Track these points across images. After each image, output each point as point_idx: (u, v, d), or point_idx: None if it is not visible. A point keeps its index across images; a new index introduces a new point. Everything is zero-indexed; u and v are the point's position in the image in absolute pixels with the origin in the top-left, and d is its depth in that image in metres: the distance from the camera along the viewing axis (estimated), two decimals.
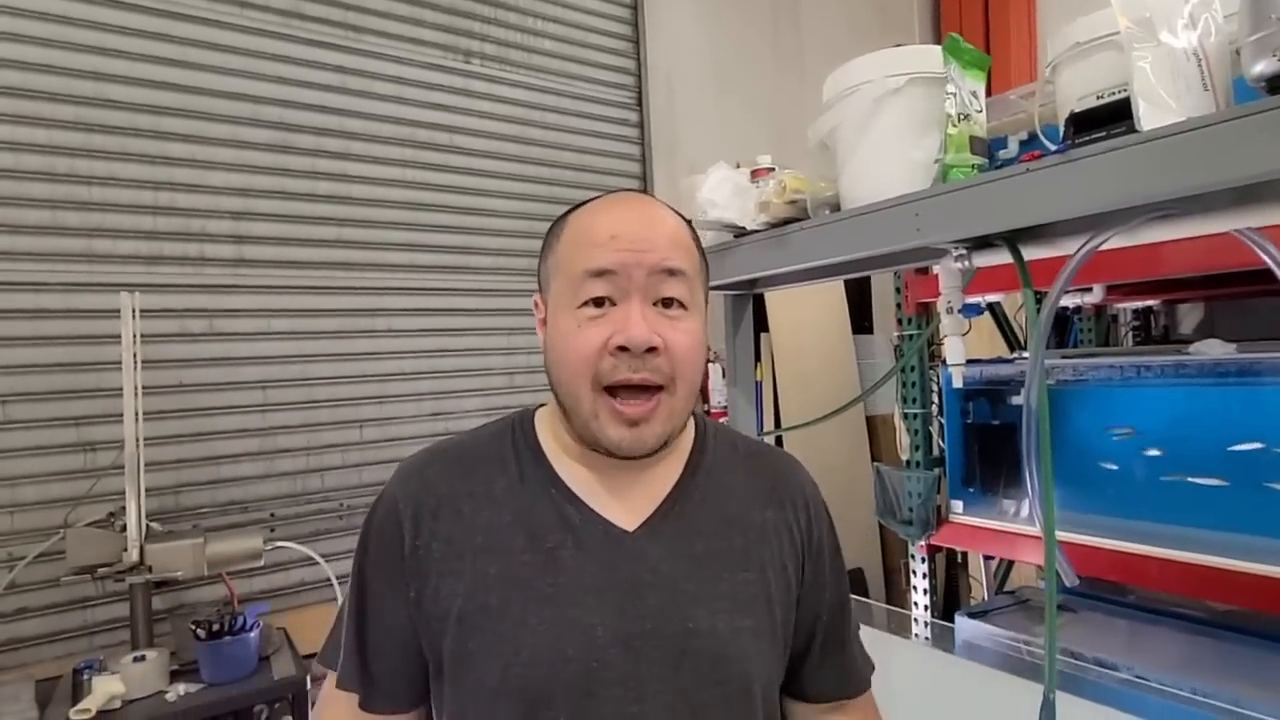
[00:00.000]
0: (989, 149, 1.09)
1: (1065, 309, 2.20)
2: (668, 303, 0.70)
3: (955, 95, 1.00)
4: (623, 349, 0.66)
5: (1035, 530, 1.24)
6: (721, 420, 1.04)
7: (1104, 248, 0.92)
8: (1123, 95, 0.80)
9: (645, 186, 2.90)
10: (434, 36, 2.43)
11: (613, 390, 0.68)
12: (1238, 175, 0.71)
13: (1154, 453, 1.48)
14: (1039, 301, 1.01)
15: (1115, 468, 1.54)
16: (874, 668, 0.86)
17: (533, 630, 0.67)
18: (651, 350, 0.67)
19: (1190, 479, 1.42)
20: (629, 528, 0.72)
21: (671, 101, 2.95)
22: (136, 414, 1.67)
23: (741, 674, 0.71)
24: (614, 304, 0.68)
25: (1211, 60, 0.76)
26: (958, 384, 1.22)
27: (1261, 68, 0.66)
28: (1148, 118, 0.75)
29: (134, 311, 1.69)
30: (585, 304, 0.69)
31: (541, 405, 0.80)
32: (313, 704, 1.62)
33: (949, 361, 1.13)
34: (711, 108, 3.04)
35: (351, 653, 0.73)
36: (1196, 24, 0.76)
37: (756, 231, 1.32)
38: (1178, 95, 0.74)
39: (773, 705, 0.77)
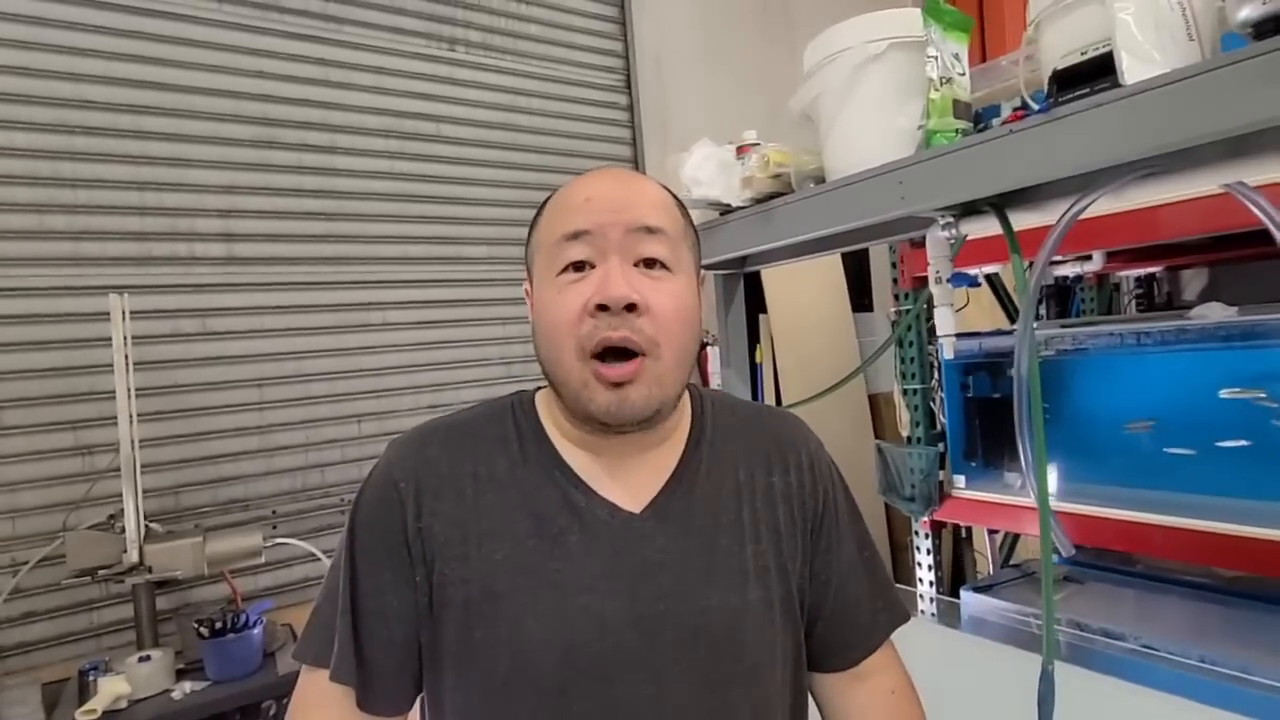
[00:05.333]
0: (978, 115, 1.06)
1: (1066, 278, 2.17)
2: (650, 264, 0.67)
3: (937, 59, 0.97)
4: (602, 308, 0.64)
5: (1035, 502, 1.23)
6: None
7: (1098, 212, 0.90)
8: (1106, 50, 0.78)
9: (637, 169, 2.87)
10: (416, 25, 2.40)
11: (600, 358, 0.66)
12: (1227, 126, 0.68)
13: (1156, 420, 1.46)
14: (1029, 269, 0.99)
15: (1119, 437, 1.52)
16: (906, 617, 0.81)
17: (542, 618, 0.66)
18: (632, 309, 0.65)
19: (1193, 445, 1.39)
20: (635, 509, 0.70)
21: (661, 81, 2.91)
22: (131, 416, 1.66)
23: (758, 647, 0.70)
24: (594, 267, 0.67)
25: (1197, 10, 0.73)
26: (949, 355, 1.20)
27: (1247, 12, 0.64)
28: (1131, 71, 0.73)
29: (124, 313, 1.69)
30: (564, 270, 0.67)
31: (540, 388, 0.78)
32: None
33: (939, 332, 1.11)
34: (702, 86, 2.99)
35: (347, 647, 0.68)
36: None
37: (742, 208, 1.30)
38: (1162, 47, 0.72)
39: (798, 677, 0.76)
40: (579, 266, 0.67)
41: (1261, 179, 0.81)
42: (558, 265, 0.68)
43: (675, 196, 0.76)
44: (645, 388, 0.66)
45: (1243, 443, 1.31)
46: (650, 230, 0.68)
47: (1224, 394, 1.29)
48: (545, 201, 0.75)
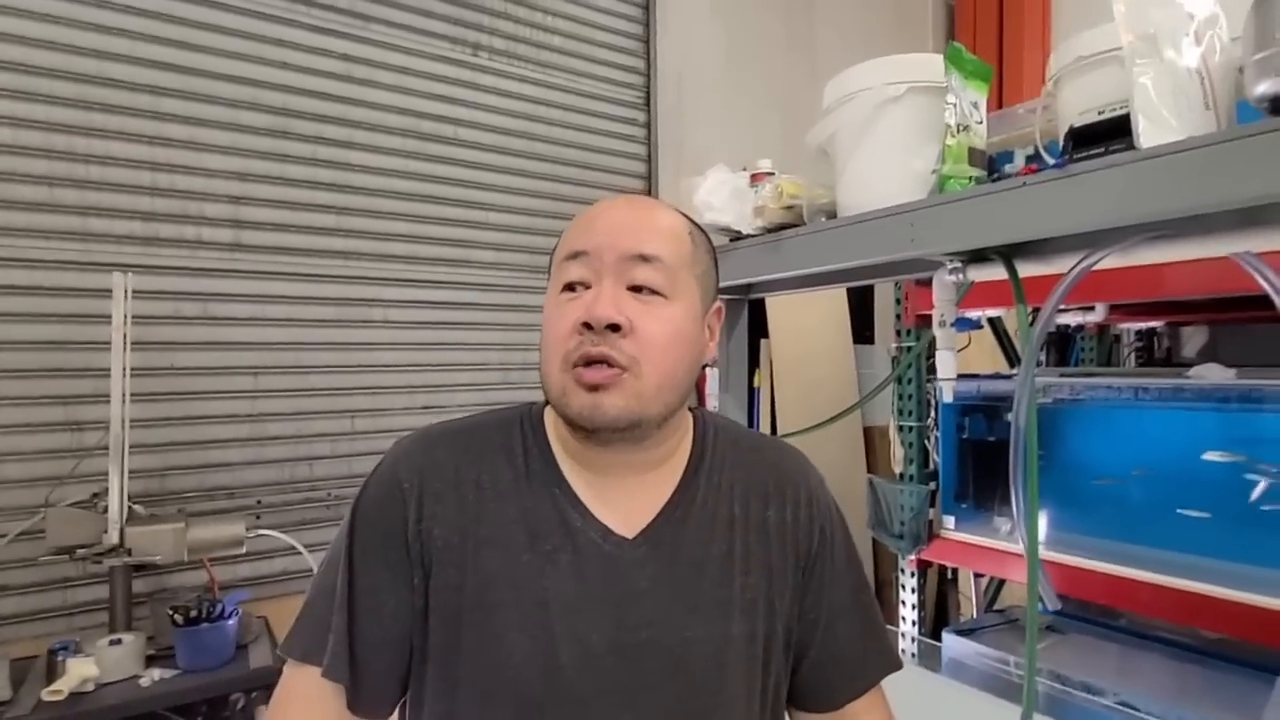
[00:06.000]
0: (992, 162, 1.07)
1: (1067, 327, 2.18)
2: (643, 290, 0.68)
3: (955, 105, 0.98)
4: (587, 326, 0.66)
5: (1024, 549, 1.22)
6: None
7: (1103, 267, 0.90)
8: (1123, 111, 0.78)
9: (650, 187, 2.88)
10: (442, 28, 2.42)
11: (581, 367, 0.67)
12: (1238, 197, 0.69)
13: (1149, 476, 1.46)
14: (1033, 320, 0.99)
15: (1110, 490, 1.52)
16: (897, 665, 0.81)
17: (528, 635, 0.66)
18: (615, 329, 0.65)
19: (1185, 504, 1.39)
20: (629, 535, 0.70)
21: (680, 101, 2.93)
22: (124, 395, 1.65)
23: (738, 680, 0.70)
24: (589, 288, 0.68)
25: (1215, 79, 0.74)
26: (948, 399, 1.20)
27: (1265, 88, 0.64)
28: (1147, 135, 0.73)
29: (126, 292, 1.68)
30: (564, 289, 0.69)
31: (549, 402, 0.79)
32: None
33: (939, 376, 1.11)
34: (721, 108, 3.01)
35: (341, 645, 0.67)
36: (1201, 42, 0.74)
37: (752, 236, 1.30)
38: (1179, 113, 0.72)
39: (778, 712, 0.76)
40: (577, 285, 0.68)
41: (1269, 248, 0.81)
42: (560, 283, 0.70)
43: (696, 225, 0.76)
44: (621, 398, 0.66)
45: (1240, 503, 1.31)
46: (645, 258, 0.68)
47: (1206, 457, 1.29)
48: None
